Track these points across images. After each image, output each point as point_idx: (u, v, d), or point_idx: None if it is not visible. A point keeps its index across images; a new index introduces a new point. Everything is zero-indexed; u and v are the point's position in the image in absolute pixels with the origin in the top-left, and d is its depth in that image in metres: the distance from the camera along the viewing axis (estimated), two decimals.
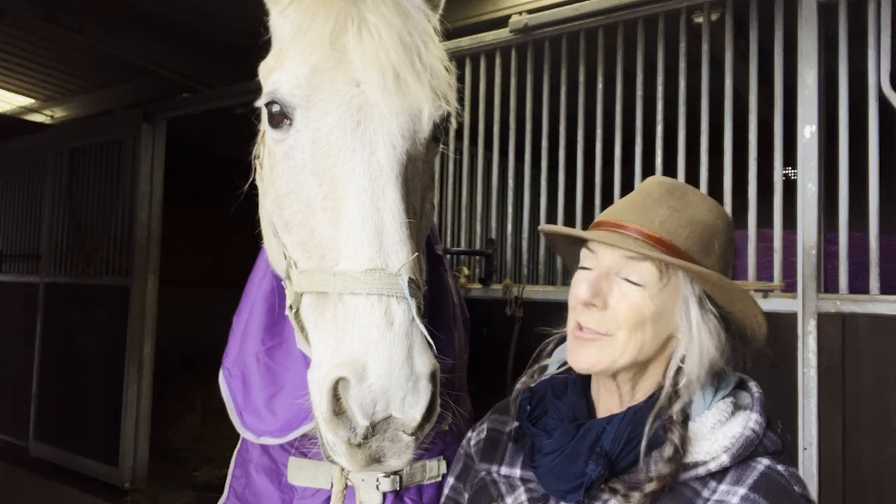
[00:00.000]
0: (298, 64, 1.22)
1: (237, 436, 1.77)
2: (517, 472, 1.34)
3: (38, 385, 5.85)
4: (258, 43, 1.45)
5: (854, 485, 2.39)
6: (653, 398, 1.22)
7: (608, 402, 1.29)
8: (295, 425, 1.53)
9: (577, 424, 1.24)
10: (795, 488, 1.13)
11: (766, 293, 2.61)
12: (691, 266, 1.19)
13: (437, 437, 1.61)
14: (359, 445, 1.05)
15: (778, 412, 2.54)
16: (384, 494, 1.61)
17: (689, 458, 1.16)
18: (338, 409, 1.05)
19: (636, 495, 1.13)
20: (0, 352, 6.39)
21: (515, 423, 1.35)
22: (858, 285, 2.58)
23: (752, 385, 1.28)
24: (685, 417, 1.20)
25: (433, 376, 1.06)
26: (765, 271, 2.80)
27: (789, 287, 2.62)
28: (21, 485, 5.34)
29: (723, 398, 1.22)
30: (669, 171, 2.91)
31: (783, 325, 2.56)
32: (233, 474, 1.86)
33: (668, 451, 1.15)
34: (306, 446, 1.62)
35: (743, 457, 1.15)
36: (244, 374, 1.66)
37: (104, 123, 5.91)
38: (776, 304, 2.59)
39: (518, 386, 1.43)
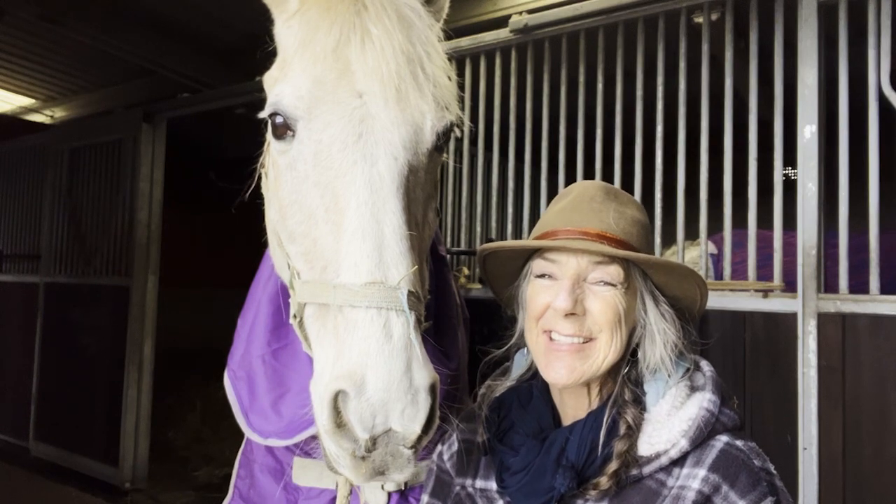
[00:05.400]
0: (301, 75, 1.21)
1: (237, 436, 1.77)
2: (493, 484, 1.33)
3: (38, 385, 5.85)
4: (258, 43, 1.45)
5: (854, 485, 2.39)
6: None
7: (575, 408, 1.30)
8: (302, 427, 1.53)
9: (543, 437, 1.26)
10: (755, 462, 1.14)
11: (766, 293, 2.62)
12: (656, 259, 1.25)
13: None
14: (363, 458, 1.06)
15: (778, 412, 2.55)
16: (389, 494, 1.61)
17: (651, 450, 1.17)
18: (339, 421, 1.05)
19: (603, 479, 1.15)
20: (0, 352, 6.39)
21: (486, 435, 1.35)
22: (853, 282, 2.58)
23: (704, 365, 1.29)
24: (641, 405, 1.23)
25: (432, 388, 1.06)
26: (762, 271, 2.79)
27: (789, 287, 2.62)
28: (21, 485, 5.34)
29: (676, 384, 1.24)
30: (669, 170, 2.92)
31: (783, 325, 2.56)
32: (237, 475, 1.86)
33: (622, 428, 1.18)
34: (311, 447, 1.61)
35: (702, 438, 1.16)
36: (250, 375, 1.66)
37: (104, 123, 5.89)
38: (776, 304, 2.58)
39: (482, 390, 1.45)
